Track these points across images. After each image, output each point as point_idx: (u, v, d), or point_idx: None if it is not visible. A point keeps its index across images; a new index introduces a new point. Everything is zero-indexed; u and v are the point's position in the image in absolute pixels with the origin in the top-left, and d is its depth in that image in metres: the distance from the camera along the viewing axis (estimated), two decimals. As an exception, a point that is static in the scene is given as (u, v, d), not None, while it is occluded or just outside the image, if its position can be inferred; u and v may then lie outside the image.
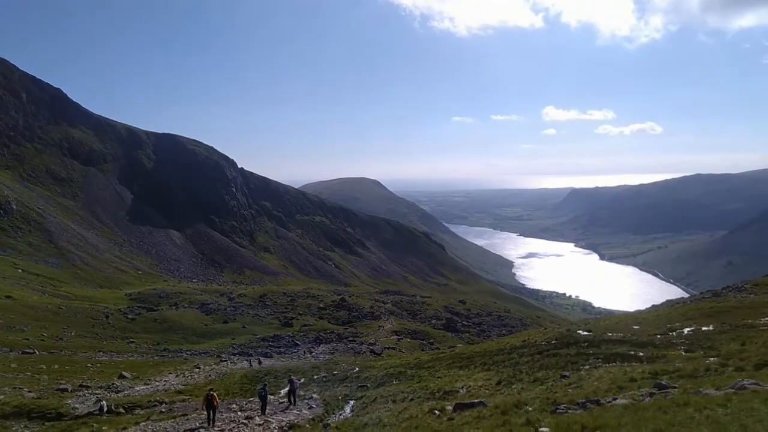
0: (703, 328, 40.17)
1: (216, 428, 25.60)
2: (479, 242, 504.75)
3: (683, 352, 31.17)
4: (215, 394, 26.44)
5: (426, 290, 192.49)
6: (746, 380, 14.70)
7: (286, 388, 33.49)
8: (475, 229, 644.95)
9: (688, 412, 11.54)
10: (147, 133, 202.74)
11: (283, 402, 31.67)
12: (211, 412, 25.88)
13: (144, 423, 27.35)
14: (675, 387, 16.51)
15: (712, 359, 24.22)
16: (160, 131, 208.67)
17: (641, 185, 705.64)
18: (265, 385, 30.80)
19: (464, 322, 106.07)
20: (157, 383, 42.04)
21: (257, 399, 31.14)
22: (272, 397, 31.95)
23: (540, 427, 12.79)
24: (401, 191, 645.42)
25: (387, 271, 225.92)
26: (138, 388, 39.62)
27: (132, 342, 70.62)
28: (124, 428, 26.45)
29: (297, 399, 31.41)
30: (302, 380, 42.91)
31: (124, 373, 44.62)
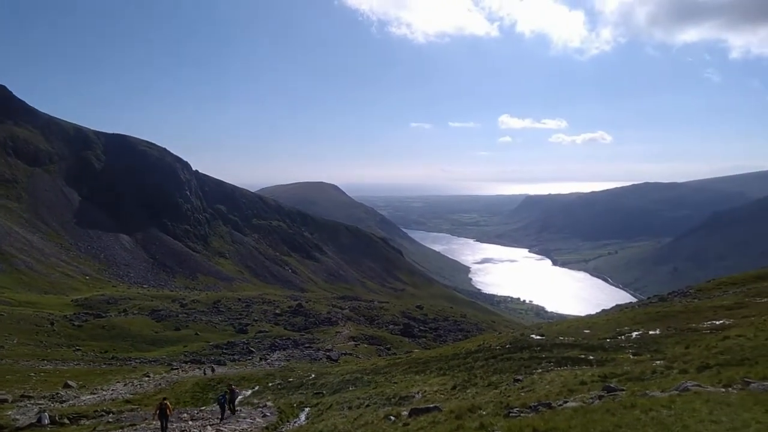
0: (650, 332, 41.51)
1: (166, 438, 24.98)
2: (437, 247, 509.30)
3: (631, 356, 32.12)
4: (168, 403, 25.86)
5: (383, 295, 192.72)
6: (689, 382, 15.21)
7: (240, 397, 32.87)
8: (433, 235, 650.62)
9: (634, 414, 11.86)
10: (96, 133, 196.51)
11: (237, 410, 31.04)
12: (164, 421, 25.30)
13: (89, 434, 26.38)
14: (623, 389, 16.95)
15: (658, 362, 25.02)
16: (110, 131, 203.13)
17: (593, 193, 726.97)
18: (225, 392, 30.21)
19: (421, 328, 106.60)
20: (104, 392, 40.67)
21: (209, 408, 30.55)
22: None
23: (493, 430, 12.92)
24: (359, 196, 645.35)
25: (345, 276, 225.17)
26: (84, 398, 38.23)
27: (78, 350, 68.14)
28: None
29: (236, 408, 30.78)
30: (256, 388, 42.28)
31: (69, 382, 43.01)
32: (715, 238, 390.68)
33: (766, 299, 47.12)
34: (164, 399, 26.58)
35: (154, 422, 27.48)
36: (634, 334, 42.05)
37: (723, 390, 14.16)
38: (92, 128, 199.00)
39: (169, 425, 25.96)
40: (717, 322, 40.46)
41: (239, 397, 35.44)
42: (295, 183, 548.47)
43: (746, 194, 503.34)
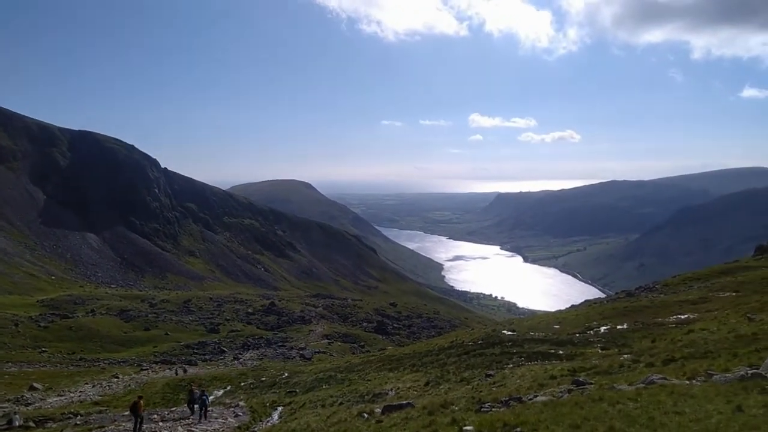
0: (618, 327, 42.43)
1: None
2: (410, 245, 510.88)
3: (600, 350, 32.79)
4: (141, 402, 25.95)
5: (357, 293, 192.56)
6: (655, 375, 15.58)
7: (211, 397, 32.54)
8: (406, 233, 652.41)
9: (602, 407, 12.11)
10: (61, 129, 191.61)
11: (209, 411, 30.67)
12: (136, 419, 25.39)
13: (56, 437, 25.82)
14: (591, 383, 17.28)
15: (625, 356, 25.58)
16: (76, 128, 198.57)
17: (562, 191, 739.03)
18: (204, 390, 29.94)
19: (395, 325, 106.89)
20: (71, 394, 39.88)
21: (180, 409, 30.25)
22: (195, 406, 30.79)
23: (464, 426, 13.05)
24: (332, 194, 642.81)
25: (318, 274, 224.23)
26: (50, 400, 37.42)
27: (44, 351, 66.58)
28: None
29: (198, 410, 30.32)
30: (229, 387, 41.91)
31: (35, 385, 42.05)
32: (681, 235, 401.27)
33: (728, 294, 48.56)
34: (139, 397, 26.77)
35: (123, 424, 27.16)
36: (603, 328, 42.93)
37: (687, 382, 14.53)
38: (57, 125, 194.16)
39: (141, 426, 25.73)
40: (682, 317, 41.57)
41: (210, 397, 35.11)
42: (267, 181, 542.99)
43: (710, 192, 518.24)
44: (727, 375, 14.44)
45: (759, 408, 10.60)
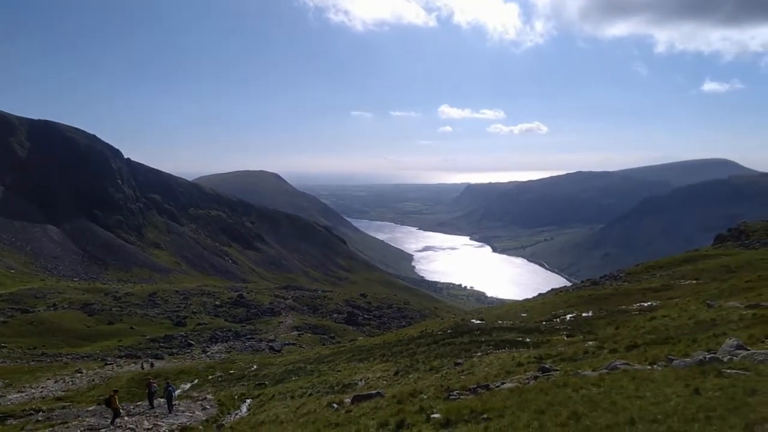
0: (583, 314, 43.35)
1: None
2: (381, 236, 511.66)
3: (565, 337, 33.47)
4: (115, 396, 25.95)
5: (326, 284, 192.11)
6: (618, 361, 15.92)
7: (178, 390, 32.15)
8: (377, 224, 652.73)
9: (566, 393, 12.32)
10: (20, 119, 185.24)
11: (175, 404, 30.25)
12: (114, 412, 25.58)
13: (17, 435, 25.16)
14: (557, 370, 17.60)
15: (590, 343, 26.13)
16: (35, 117, 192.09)
17: (530, 182, 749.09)
18: (170, 383, 29.53)
19: (365, 316, 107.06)
20: (33, 390, 38.90)
21: (145, 403, 29.87)
22: (162, 399, 30.35)
23: (432, 413, 13.13)
24: (302, 185, 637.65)
25: (287, 265, 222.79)
26: (10, 397, 36.44)
27: (3, 347, 64.87)
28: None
29: (163, 403, 30.06)
30: (196, 381, 41.44)
31: (-7, 382, 40.82)
32: (643, 225, 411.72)
33: (689, 281, 50.06)
34: (114, 391, 27.03)
35: (87, 419, 26.68)
36: (568, 316, 43.80)
37: (649, 367, 14.87)
38: (15, 114, 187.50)
39: (103, 421, 25.40)
40: (645, 304, 42.68)
41: (177, 391, 34.71)
42: (235, 172, 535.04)
43: (671, 183, 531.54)
44: (686, 360, 14.82)
45: (715, 391, 10.87)
